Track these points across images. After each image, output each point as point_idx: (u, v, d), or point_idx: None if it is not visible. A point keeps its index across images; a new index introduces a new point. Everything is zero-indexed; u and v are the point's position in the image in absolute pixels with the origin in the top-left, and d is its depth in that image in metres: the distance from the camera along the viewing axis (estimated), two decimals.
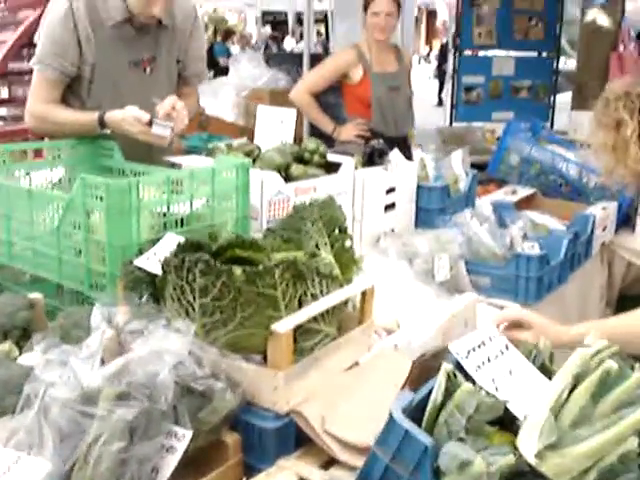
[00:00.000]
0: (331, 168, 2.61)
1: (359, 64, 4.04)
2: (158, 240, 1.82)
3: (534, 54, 7.60)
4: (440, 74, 17.82)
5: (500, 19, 7.33)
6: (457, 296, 2.41)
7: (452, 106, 7.68)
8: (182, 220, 1.94)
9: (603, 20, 5.14)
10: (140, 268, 1.71)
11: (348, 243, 1.80)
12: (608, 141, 2.01)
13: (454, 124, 7.57)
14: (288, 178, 2.40)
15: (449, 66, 12.66)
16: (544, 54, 7.60)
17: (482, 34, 7.41)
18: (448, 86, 11.22)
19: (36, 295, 1.83)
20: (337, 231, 1.84)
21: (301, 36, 16.01)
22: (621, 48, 5.22)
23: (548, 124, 4.37)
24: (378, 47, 4.06)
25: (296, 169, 2.43)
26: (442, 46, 18.42)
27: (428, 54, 30.65)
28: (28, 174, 2.32)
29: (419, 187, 2.93)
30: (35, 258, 2.04)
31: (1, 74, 5.00)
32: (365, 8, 3.98)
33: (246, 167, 2.08)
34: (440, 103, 16.75)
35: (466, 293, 2.36)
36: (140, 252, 1.77)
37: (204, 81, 2.93)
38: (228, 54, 12.63)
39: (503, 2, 7.25)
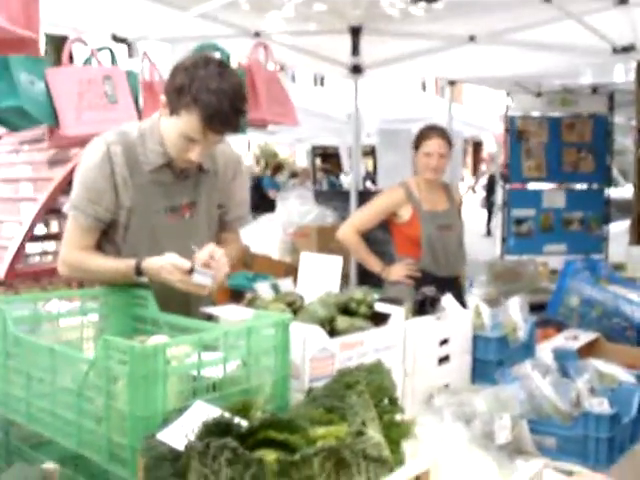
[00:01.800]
0: (379, 318, 2.42)
1: (408, 203, 3.93)
2: (186, 408, 1.64)
3: (585, 186, 7.48)
4: (488, 205, 17.81)
5: (549, 152, 7.27)
6: (521, 463, 2.16)
7: (503, 239, 7.53)
8: (214, 385, 1.75)
9: None
10: (164, 442, 1.52)
11: (399, 417, 1.58)
12: None
13: (505, 257, 7.41)
14: (333, 332, 2.22)
15: (497, 197, 12.67)
16: (594, 185, 7.48)
17: (531, 167, 7.35)
18: (497, 217, 11.16)
19: (50, 466, 1.64)
20: (386, 401, 1.64)
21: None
22: None
23: (607, 262, 4.16)
24: (428, 186, 3.96)
25: (342, 322, 2.25)
26: (490, 177, 18.51)
27: (474, 185, 30.87)
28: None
29: (475, 337, 2.72)
30: (54, 421, 1.86)
31: (50, 210, 4.99)
32: (416, 147, 3.91)
33: (286, 324, 1.91)
34: (488, 233, 16.66)
35: (532, 461, 2.10)
36: (165, 423, 1.58)
37: (246, 225, 2.81)
38: (277, 187, 12.80)
39: (551, 135, 7.22)
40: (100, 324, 2.36)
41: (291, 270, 5.39)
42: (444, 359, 2.59)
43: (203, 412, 1.61)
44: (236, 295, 4.20)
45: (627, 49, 4.40)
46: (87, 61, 3.69)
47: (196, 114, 2.24)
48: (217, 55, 3.69)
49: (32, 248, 5.06)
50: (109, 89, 3.63)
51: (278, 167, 16.48)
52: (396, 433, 1.59)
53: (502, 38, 4.69)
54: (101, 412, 1.70)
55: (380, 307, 2.48)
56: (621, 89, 7.42)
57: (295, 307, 2.36)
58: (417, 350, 2.47)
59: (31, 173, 4.70)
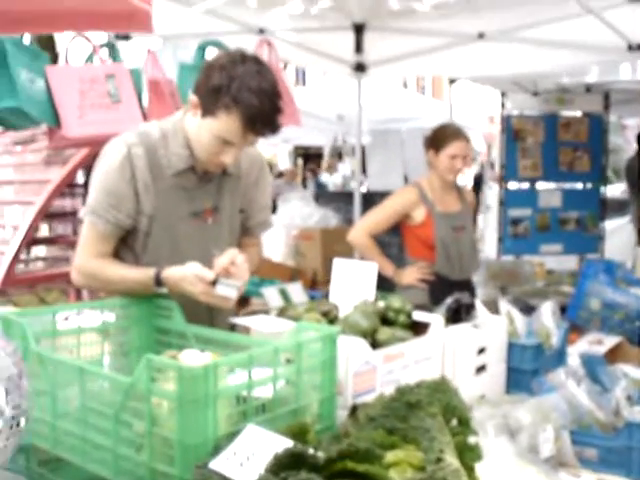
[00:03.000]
0: (417, 327, 2.30)
1: (422, 204, 3.82)
2: (237, 433, 1.50)
3: (580, 185, 7.43)
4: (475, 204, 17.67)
5: (545, 151, 7.20)
6: (564, 476, 2.07)
7: (499, 239, 7.44)
8: (263, 406, 1.62)
9: None
10: (218, 472, 1.39)
11: (473, 440, 1.46)
12: None
13: (502, 257, 7.33)
14: (374, 344, 2.09)
15: (486, 197, 12.60)
16: (590, 184, 7.42)
17: (527, 166, 7.27)
18: (489, 217, 11.09)
19: None
20: (454, 421, 1.51)
21: (333, 168, 16.07)
22: None
23: (622, 264, 4.09)
24: (441, 186, 3.86)
25: (383, 333, 2.12)
26: (476, 176, 18.44)
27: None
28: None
29: (510, 345, 2.61)
30: (85, 448, 1.71)
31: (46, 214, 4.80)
32: (437, 148, 3.78)
33: (334, 338, 1.78)
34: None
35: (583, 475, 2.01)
36: (216, 450, 1.45)
37: (268, 230, 2.67)
38: None
39: (548, 135, 7.14)
40: (121, 338, 2.21)
41: (297, 274, 5.29)
42: (481, 368, 2.48)
43: (256, 437, 1.48)
44: (241, 301, 4.05)
45: None
46: (89, 59, 3.54)
47: (236, 115, 2.10)
48: None
49: (26, 253, 4.88)
50: (112, 88, 3.47)
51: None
52: (470, 457, 1.47)
53: (514, 35, 4.59)
54: (141, 438, 1.56)
55: (417, 315, 2.36)
56: (615, 88, 7.36)
57: (330, 317, 2.23)
58: (456, 360, 2.35)
59: (26, 175, 4.52)
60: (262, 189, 2.55)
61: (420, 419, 1.45)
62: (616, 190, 10.00)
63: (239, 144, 2.19)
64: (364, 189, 9.06)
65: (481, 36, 4.67)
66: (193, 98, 2.21)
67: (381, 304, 2.29)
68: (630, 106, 7.31)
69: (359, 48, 4.93)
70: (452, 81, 7.21)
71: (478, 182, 17.23)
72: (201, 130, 2.21)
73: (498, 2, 4.03)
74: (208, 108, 2.16)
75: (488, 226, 11.02)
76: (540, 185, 7.38)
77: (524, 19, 4.30)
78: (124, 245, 2.37)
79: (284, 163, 19.52)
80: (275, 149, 19.79)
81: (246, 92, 2.08)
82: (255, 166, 2.51)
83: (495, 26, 4.56)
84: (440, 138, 3.80)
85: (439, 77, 16.99)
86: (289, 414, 1.67)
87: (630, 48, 4.36)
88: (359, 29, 4.84)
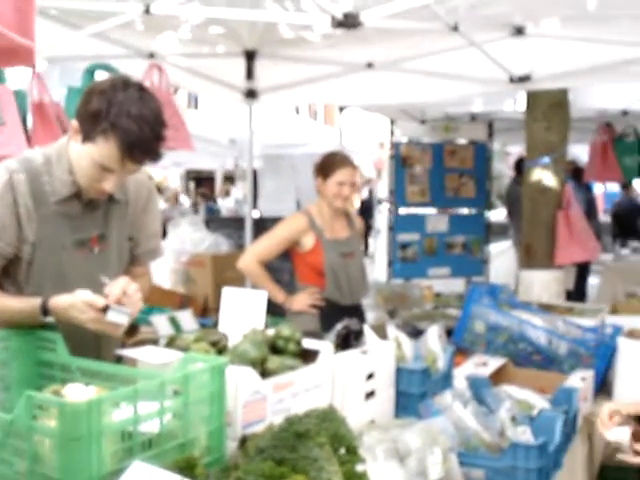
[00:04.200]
0: (306, 355, 2.31)
1: (311, 231, 3.86)
2: (122, 470, 1.46)
3: (466, 210, 7.67)
4: (365, 228, 18.03)
5: (432, 178, 7.40)
6: None
7: (389, 263, 7.58)
8: (150, 441, 1.58)
9: (549, 179, 5.14)
10: None
11: (361, 467, 1.47)
12: None
13: (392, 281, 7.46)
14: (264, 373, 2.08)
15: (376, 221, 12.84)
16: (475, 210, 7.67)
17: (415, 192, 7.45)
18: (379, 241, 11.29)
19: None
20: (342, 450, 1.52)
21: (226, 193, 16.02)
22: (566, 206, 5.22)
23: (506, 287, 4.25)
24: (330, 213, 3.91)
25: (272, 362, 2.12)
26: (362, 202, 18.88)
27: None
28: None
29: (398, 370, 2.65)
30: None
31: None
32: (324, 176, 3.84)
33: (222, 368, 1.76)
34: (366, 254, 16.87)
35: None
36: None
37: (158, 258, 2.63)
38: None
39: (435, 162, 7.35)
40: (1, 371, 2.12)
41: (187, 301, 5.21)
42: (370, 394, 2.50)
43: (142, 474, 1.45)
44: (129, 329, 3.96)
45: (523, 79, 4.52)
46: None
47: (114, 142, 2.06)
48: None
49: None
50: None
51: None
52: None
53: (401, 65, 4.71)
54: (23, 477, 1.50)
55: (307, 343, 2.37)
56: (499, 117, 7.68)
57: (220, 347, 2.21)
58: (345, 386, 2.37)
59: None
60: (151, 216, 2.51)
61: (309, 449, 1.45)
62: (500, 215, 10.40)
63: (119, 171, 2.15)
64: (257, 214, 9.07)
65: (370, 66, 4.77)
66: (74, 123, 2.16)
67: (270, 332, 2.29)
68: (512, 134, 7.63)
69: (250, 75, 4.95)
70: (342, 108, 7.33)
71: (368, 207, 17.63)
72: (81, 156, 2.16)
73: (386, 33, 4.13)
74: (87, 133, 2.12)
75: (378, 250, 11.24)
76: (428, 210, 7.57)
77: (411, 50, 4.43)
78: (6, 275, 2.28)
79: (174, 186, 19.28)
80: (166, 172, 19.54)
81: (125, 118, 2.05)
82: (143, 192, 2.47)
83: (383, 56, 4.67)
84: (327, 165, 3.85)
85: (331, 104, 17.26)
86: (177, 448, 1.64)
87: (512, 80, 4.57)
88: (250, 56, 4.86)
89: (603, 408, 2.57)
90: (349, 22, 2.94)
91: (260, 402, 1.99)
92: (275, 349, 2.25)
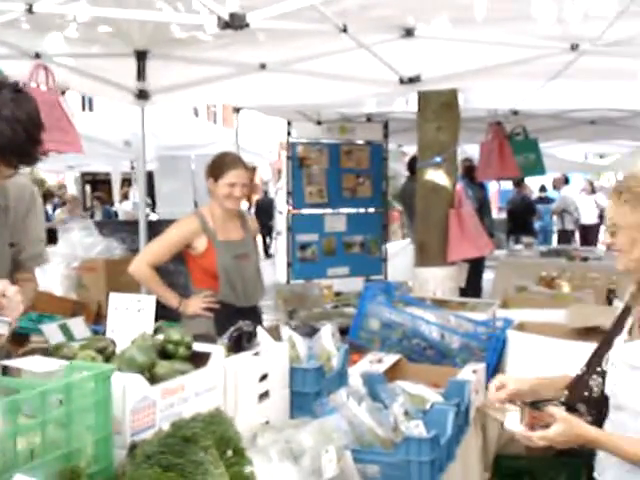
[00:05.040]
0: (197, 358, 2.28)
1: (203, 233, 3.82)
2: None
3: (363, 210, 7.76)
4: (263, 229, 18.14)
5: (329, 178, 7.45)
6: None
7: (288, 264, 7.59)
8: (32, 452, 1.53)
9: (441, 179, 5.26)
10: None
11: (248, 469, 1.47)
12: None
13: (291, 281, 7.48)
14: (153, 378, 2.04)
15: (276, 222, 12.86)
16: (372, 209, 7.77)
17: (313, 193, 7.48)
18: (279, 242, 11.30)
19: None
20: (230, 452, 1.51)
21: (125, 196, 15.70)
22: (458, 205, 5.35)
23: (402, 284, 4.34)
24: (223, 215, 3.88)
25: (161, 367, 2.08)
26: (257, 202, 19.12)
27: (248, 209, 31.43)
28: None
29: (292, 370, 2.66)
30: None
31: None
32: (215, 177, 3.80)
33: (107, 376, 1.72)
34: (267, 255, 16.88)
35: None
36: None
37: (43, 264, 2.55)
38: (48, 218, 12.05)
39: (332, 162, 7.40)
40: None
41: (79, 308, 5.06)
42: (264, 395, 2.50)
43: None
44: (19, 339, 3.82)
45: (413, 80, 4.61)
46: None
47: None
48: None
49: None
50: None
51: (46, 196, 15.57)
52: None
53: (293, 67, 4.72)
54: None
55: (198, 346, 2.34)
56: (394, 117, 7.80)
57: (107, 354, 2.16)
58: (238, 389, 2.36)
59: None
60: (33, 221, 2.43)
61: (195, 453, 1.44)
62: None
63: None
64: (155, 217, 8.91)
65: (263, 67, 4.76)
66: None
67: (159, 337, 2.25)
68: (408, 135, 7.74)
69: (141, 75, 4.86)
70: (238, 110, 7.30)
71: (265, 208, 17.74)
72: None
73: (276, 34, 4.13)
74: None
75: (279, 251, 11.25)
76: (325, 210, 7.62)
77: (301, 51, 4.44)
78: None
79: (72, 190, 18.77)
80: (59, 176, 19.03)
81: None
82: (25, 197, 2.39)
83: (275, 57, 4.67)
84: (218, 167, 3.83)
85: (229, 105, 17.20)
86: (61, 458, 1.59)
87: (402, 82, 4.66)
88: (141, 56, 4.77)
89: (494, 380, 2.56)
90: (236, 23, 2.92)
91: (149, 408, 1.95)
92: (165, 354, 2.21)
